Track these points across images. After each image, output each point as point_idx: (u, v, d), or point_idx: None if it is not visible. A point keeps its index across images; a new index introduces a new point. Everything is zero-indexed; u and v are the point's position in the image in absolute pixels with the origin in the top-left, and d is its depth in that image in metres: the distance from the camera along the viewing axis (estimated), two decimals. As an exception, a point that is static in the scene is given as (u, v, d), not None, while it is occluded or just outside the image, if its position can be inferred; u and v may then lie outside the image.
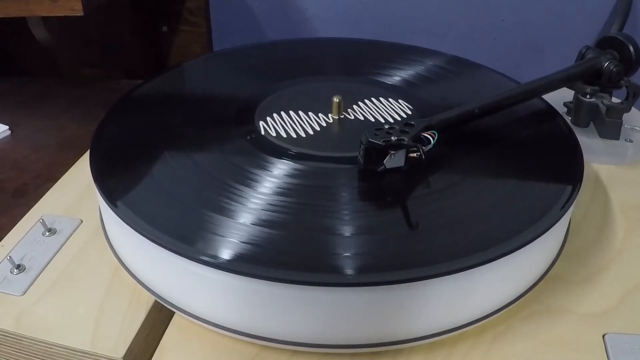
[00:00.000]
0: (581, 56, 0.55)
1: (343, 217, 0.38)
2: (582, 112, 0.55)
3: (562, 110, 0.54)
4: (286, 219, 0.37)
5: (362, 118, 0.48)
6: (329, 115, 0.48)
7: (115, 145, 0.46)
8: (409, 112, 0.49)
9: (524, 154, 0.45)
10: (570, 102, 0.56)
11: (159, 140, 0.46)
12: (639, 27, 0.74)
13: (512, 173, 0.43)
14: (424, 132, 0.42)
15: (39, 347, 0.37)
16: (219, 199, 0.39)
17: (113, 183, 0.41)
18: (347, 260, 0.34)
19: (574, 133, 0.48)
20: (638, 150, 0.53)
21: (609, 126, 0.53)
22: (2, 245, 0.43)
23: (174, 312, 0.38)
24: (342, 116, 0.48)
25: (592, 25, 0.76)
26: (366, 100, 0.51)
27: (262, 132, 0.46)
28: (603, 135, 0.53)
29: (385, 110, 0.49)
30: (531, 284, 0.39)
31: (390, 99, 0.51)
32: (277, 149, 0.44)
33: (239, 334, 0.36)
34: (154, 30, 0.81)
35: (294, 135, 0.45)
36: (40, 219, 0.45)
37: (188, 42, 0.81)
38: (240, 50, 0.63)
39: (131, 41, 0.80)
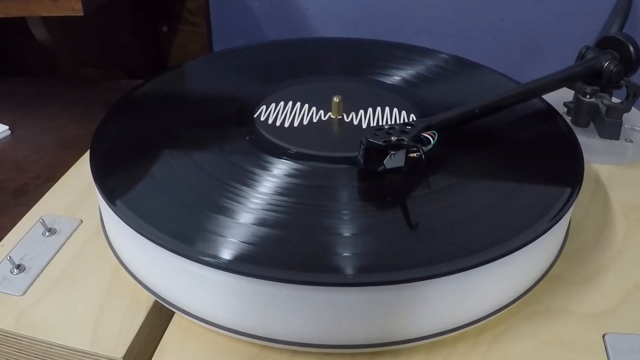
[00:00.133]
0: (581, 56, 0.55)
1: (343, 217, 0.38)
2: (582, 112, 0.55)
3: (562, 110, 0.54)
4: (286, 219, 0.37)
5: (362, 118, 0.48)
6: (329, 115, 0.48)
7: (115, 145, 0.46)
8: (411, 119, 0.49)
9: (524, 154, 0.45)
10: (570, 102, 0.56)
11: (159, 140, 0.46)
12: (639, 27, 0.74)
13: (512, 173, 0.43)
14: (424, 132, 0.42)
15: (39, 347, 0.37)
16: (219, 199, 0.39)
17: (113, 183, 0.41)
18: (347, 260, 0.34)
19: (574, 133, 0.48)
20: (638, 150, 0.53)
21: (609, 126, 0.53)
22: (2, 245, 0.43)
23: (174, 312, 0.38)
24: (342, 116, 0.48)
25: (592, 25, 0.76)
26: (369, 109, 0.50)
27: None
28: (603, 135, 0.53)
29: (385, 113, 0.49)
30: (531, 284, 0.39)
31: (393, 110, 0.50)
32: (277, 148, 0.44)
33: (239, 334, 0.36)
34: (154, 30, 0.81)
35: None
36: (40, 219, 0.45)
37: (188, 42, 0.81)
38: (240, 50, 0.63)
39: (131, 41, 0.80)
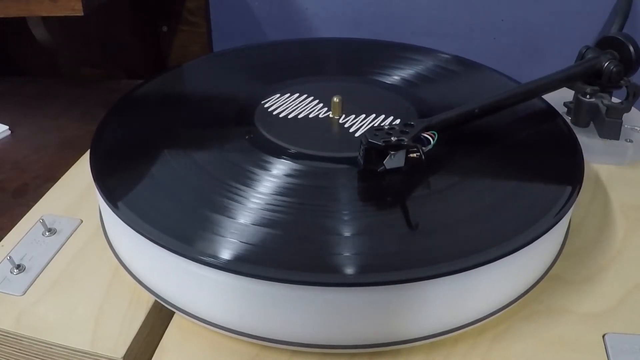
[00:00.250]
0: (581, 56, 0.55)
1: (343, 218, 0.38)
2: (582, 112, 0.55)
3: (562, 110, 0.54)
4: (286, 219, 0.37)
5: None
6: (329, 115, 0.48)
7: (115, 145, 0.46)
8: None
9: (524, 154, 0.45)
10: (570, 102, 0.56)
11: (159, 140, 0.46)
12: (639, 27, 0.74)
13: (512, 173, 0.43)
14: (423, 133, 0.42)
15: (39, 347, 0.37)
16: (219, 199, 0.39)
17: (113, 183, 0.41)
18: (347, 261, 0.34)
19: (574, 133, 0.48)
20: (638, 150, 0.53)
21: (609, 126, 0.53)
22: (2, 245, 0.43)
23: (174, 312, 0.38)
24: (342, 116, 0.48)
25: (592, 25, 0.76)
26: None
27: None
28: (603, 135, 0.53)
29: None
30: (531, 284, 0.39)
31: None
32: (277, 148, 0.44)
33: (239, 334, 0.36)
34: (154, 30, 0.81)
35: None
36: (40, 219, 0.45)
37: (188, 42, 0.81)
38: (240, 50, 0.63)
39: (131, 41, 0.80)
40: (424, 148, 0.40)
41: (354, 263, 0.34)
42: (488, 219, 0.38)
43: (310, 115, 0.48)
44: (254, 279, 0.33)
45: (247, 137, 0.46)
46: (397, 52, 0.60)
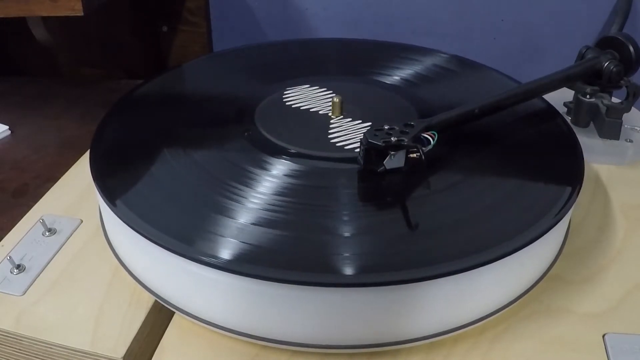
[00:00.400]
0: (581, 56, 0.55)
1: (343, 218, 0.38)
2: (582, 112, 0.55)
3: (562, 110, 0.54)
4: (286, 219, 0.37)
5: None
6: (329, 115, 0.48)
7: (115, 145, 0.46)
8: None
9: (524, 154, 0.45)
10: (570, 102, 0.56)
11: (159, 140, 0.46)
12: (639, 27, 0.74)
13: (512, 173, 0.43)
14: (423, 133, 0.42)
15: (39, 347, 0.37)
16: (219, 199, 0.39)
17: (113, 183, 0.41)
18: (347, 261, 0.34)
19: (574, 133, 0.48)
20: (638, 150, 0.53)
21: (609, 126, 0.53)
22: (2, 245, 0.43)
23: (174, 312, 0.38)
24: (342, 116, 0.48)
25: (592, 25, 0.76)
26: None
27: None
28: (603, 135, 0.53)
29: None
30: (531, 284, 0.39)
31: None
32: (277, 148, 0.44)
33: (239, 334, 0.36)
34: (154, 30, 0.81)
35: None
36: (40, 219, 0.45)
37: (188, 42, 0.81)
38: (240, 50, 0.63)
39: (131, 41, 0.80)
40: (424, 148, 0.40)
41: (353, 263, 0.34)
42: (488, 219, 0.38)
43: (310, 116, 0.48)
44: (254, 279, 0.33)
45: (245, 133, 0.46)
46: (397, 52, 0.60)
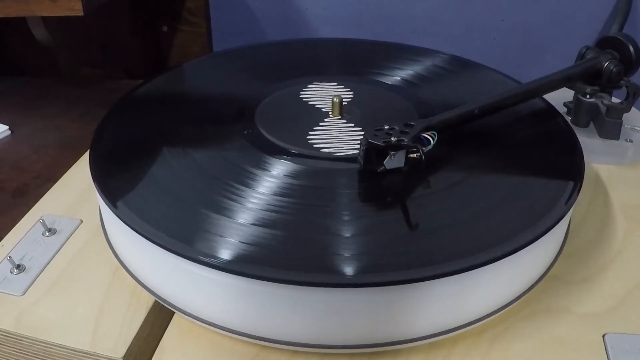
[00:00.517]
0: (581, 56, 0.55)
1: (343, 218, 0.38)
2: (582, 112, 0.55)
3: (562, 110, 0.54)
4: (286, 220, 0.37)
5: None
6: (329, 115, 0.48)
7: (115, 145, 0.46)
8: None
9: (524, 154, 0.45)
10: (570, 102, 0.56)
11: (159, 140, 0.46)
12: (639, 27, 0.74)
13: (512, 173, 0.43)
14: (423, 133, 0.42)
15: (39, 347, 0.37)
16: (219, 199, 0.39)
17: (113, 183, 0.41)
18: (347, 261, 0.34)
19: (574, 133, 0.48)
20: (638, 150, 0.53)
21: (609, 126, 0.53)
22: (2, 245, 0.43)
23: (174, 312, 0.38)
24: (342, 116, 0.48)
25: (592, 25, 0.76)
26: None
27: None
28: (603, 135, 0.53)
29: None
30: (531, 284, 0.39)
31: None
32: (277, 149, 0.44)
33: (239, 334, 0.36)
34: (154, 30, 0.81)
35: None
36: (40, 219, 0.45)
37: (188, 42, 0.81)
38: (240, 50, 0.63)
39: (131, 41, 0.80)
40: (424, 148, 0.40)
41: (353, 263, 0.34)
42: (488, 219, 0.38)
43: (310, 116, 0.48)
44: (253, 279, 0.33)
45: (245, 132, 0.46)
46: (397, 52, 0.60)
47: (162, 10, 0.80)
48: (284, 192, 0.39)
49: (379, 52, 0.61)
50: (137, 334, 0.37)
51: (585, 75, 0.53)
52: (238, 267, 0.34)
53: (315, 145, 0.44)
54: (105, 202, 0.39)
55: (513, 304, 0.38)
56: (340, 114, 0.48)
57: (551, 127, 0.49)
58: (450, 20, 0.79)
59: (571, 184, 0.41)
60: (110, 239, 0.43)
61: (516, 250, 0.35)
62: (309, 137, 0.45)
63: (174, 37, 0.81)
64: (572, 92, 0.55)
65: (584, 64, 0.53)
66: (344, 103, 0.49)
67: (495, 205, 0.39)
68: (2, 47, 0.79)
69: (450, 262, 0.34)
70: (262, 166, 0.42)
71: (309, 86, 0.53)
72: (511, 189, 0.41)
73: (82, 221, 0.46)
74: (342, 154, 0.43)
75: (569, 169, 0.43)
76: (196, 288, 0.36)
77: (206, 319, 0.36)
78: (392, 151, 0.40)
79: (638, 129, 0.55)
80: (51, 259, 0.42)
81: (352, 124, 0.47)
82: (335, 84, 0.53)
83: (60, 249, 0.43)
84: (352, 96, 0.51)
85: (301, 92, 0.52)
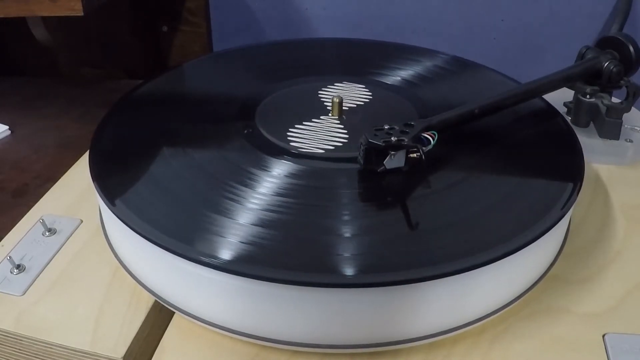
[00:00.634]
0: (581, 56, 0.55)
1: (343, 218, 0.38)
2: (582, 112, 0.55)
3: (562, 110, 0.54)
4: (286, 220, 0.37)
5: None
6: (329, 115, 0.48)
7: (115, 145, 0.46)
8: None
9: (524, 154, 0.45)
10: (570, 102, 0.56)
11: (159, 140, 0.46)
12: (639, 27, 0.74)
13: (512, 173, 0.43)
14: (424, 133, 0.42)
15: (39, 347, 0.37)
16: (219, 199, 0.39)
17: (112, 183, 0.41)
18: (347, 261, 0.34)
19: (574, 133, 0.48)
20: (638, 150, 0.53)
21: (609, 126, 0.53)
22: (2, 245, 0.43)
23: (174, 312, 0.38)
24: (342, 116, 0.48)
25: (592, 25, 0.76)
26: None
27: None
28: (603, 135, 0.53)
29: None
30: (531, 284, 0.39)
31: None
32: (277, 149, 0.44)
33: (239, 334, 0.36)
34: (154, 30, 0.81)
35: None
36: (40, 219, 0.45)
37: (188, 42, 0.81)
38: (240, 50, 0.63)
39: (131, 41, 0.80)
40: (424, 148, 0.40)
41: (353, 263, 0.34)
42: (488, 219, 0.38)
43: (310, 117, 0.48)
44: (253, 279, 0.33)
45: (245, 131, 0.46)
46: (397, 52, 0.60)
47: (162, 10, 0.80)
48: (283, 192, 0.39)
49: (379, 52, 0.61)
50: (137, 334, 0.37)
51: (585, 75, 0.53)
52: (238, 267, 0.34)
53: (291, 143, 0.44)
54: (105, 202, 0.39)
55: (513, 304, 0.38)
56: (340, 114, 0.48)
57: (551, 127, 0.49)
58: (450, 20, 0.79)
59: (571, 184, 0.41)
60: (110, 239, 0.43)
61: (516, 250, 0.35)
62: (289, 133, 0.46)
63: (174, 37, 0.81)
64: (572, 92, 0.55)
65: (584, 64, 0.53)
66: (354, 105, 0.49)
67: (495, 205, 0.39)
68: (2, 47, 0.79)
69: (450, 262, 0.34)
70: (262, 166, 0.42)
71: (330, 85, 0.53)
72: (511, 189, 0.41)
73: (82, 221, 0.46)
74: (313, 151, 0.43)
75: (569, 169, 0.43)
76: (196, 288, 0.36)
77: (206, 319, 0.36)
78: (392, 151, 0.40)
79: (638, 129, 0.55)
80: (51, 259, 0.42)
81: (342, 125, 0.47)
82: (364, 86, 0.53)
83: (60, 249, 0.43)
84: (369, 98, 0.51)
85: (320, 91, 0.52)
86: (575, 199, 0.40)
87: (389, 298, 0.34)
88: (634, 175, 0.51)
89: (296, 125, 0.47)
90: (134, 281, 0.40)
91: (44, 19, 0.66)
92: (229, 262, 0.34)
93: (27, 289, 0.40)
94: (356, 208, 0.39)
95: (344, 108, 0.49)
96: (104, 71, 0.79)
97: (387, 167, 0.40)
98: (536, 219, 0.37)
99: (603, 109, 0.53)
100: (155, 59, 0.83)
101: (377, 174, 0.40)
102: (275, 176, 0.41)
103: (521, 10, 0.77)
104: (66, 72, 0.80)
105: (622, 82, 0.52)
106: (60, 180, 0.51)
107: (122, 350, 0.35)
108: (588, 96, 0.54)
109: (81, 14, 0.50)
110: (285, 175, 0.41)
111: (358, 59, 0.60)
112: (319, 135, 0.45)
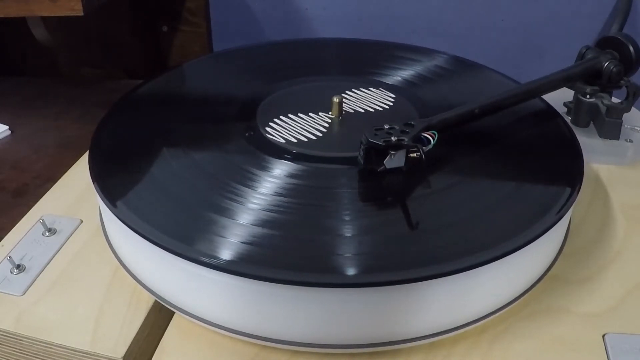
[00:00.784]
0: (581, 56, 0.55)
1: (343, 218, 0.38)
2: (582, 112, 0.55)
3: (562, 110, 0.54)
4: (286, 220, 0.37)
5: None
6: (329, 115, 0.48)
7: (115, 145, 0.46)
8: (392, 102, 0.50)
9: (524, 154, 0.45)
10: (570, 102, 0.56)
11: (159, 140, 0.46)
12: (639, 27, 0.74)
13: (512, 173, 0.43)
14: (424, 132, 0.42)
15: (39, 347, 0.37)
16: (219, 199, 0.39)
17: (112, 183, 0.41)
18: (347, 261, 0.34)
19: (574, 133, 0.48)
20: (638, 150, 0.53)
21: (609, 126, 0.53)
22: (2, 245, 0.43)
23: (174, 312, 0.38)
24: (342, 116, 0.48)
25: (592, 25, 0.76)
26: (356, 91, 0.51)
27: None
28: (603, 135, 0.53)
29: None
30: (531, 284, 0.39)
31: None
32: (277, 149, 0.44)
33: (239, 334, 0.36)
34: (154, 30, 0.81)
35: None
36: (40, 219, 0.45)
37: (188, 42, 0.81)
38: (240, 50, 0.63)
39: (131, 41, 0.80)
40: (424, 148, 0.40)
41: (354, 263, 0.34)
42: (488, 219, 0.38)
43: (310, 116, 0.48)
44: (253, 280, 0.33)
45: (247, 134, 0.46)
46: (397, 52, 0.60)
47: (162, 10, 0.80)
48: (284, 192, 0.39)
49: (379, 52, 0.61)
50: (137, 334, 0.37)
51: (585, 75, 0.53)
52: (238, 267, 0.34)
53: (267, 135, 0.45)
54: (105, 202, 0.39)
55: (513, 304, 0.38)
56: (339, 114, 0.48)
57: (551, 128, 0.49)
58: (450, 20, 0.79)
59: (571, 184, 0.41)
60: (110, 239, 0.43)
61: (516, 250, 0.35)
62: (269, 125, 0.46)
63: (174, 37, 0.81)
64: (572, 92, 0.55)
65: (584, 64, 0.53)
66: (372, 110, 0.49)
67: (495, 205, 0.39)
68: (2, 47, 0.79)
69: (450, 262, 0.34)
70: (262, 166, 0.42)
71: (354, 90, 0.52)
72: (511, 188, 0.41)
73: (82, 221, 0.46)
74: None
75: (569, 168, 0.43)
76: (196, 288, 0.36)
77: (206, 319, 0.36)
78: (392, 151, 0.40)
79: (638, 129, 0.55)
80: (51, 259, 0.42)
81: (329, 122, 0.47)
82: (389, 91, 0.53)
83: (60, 249, 0.43)
84: (391, 103, 0.51)
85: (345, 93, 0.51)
86: (575, 199, 0.40)
87: (389, 298, 0.34)
88: (634, 175, 0.51)
89: (281, 117, 0.47)
90: (134, 281, 0.40)
91: (44, 19, 0.66)
92: (229, 262, 0.34)
93: (27, 289, 0.40)
94: (356, 208, 0.39)
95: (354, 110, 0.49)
96: (104, 71, 0.79)
97: (387, 166, 0.40)
98: (536, 219, 0.37)
99: (603, 109, 0.53)
100: (155, 59, 0.83)
101: (377, 173, 0.40)
102: (275, 176, 0.41)
103: (521, 10, 0.77)
104: (66, 72, 0.80)
105: (622, 82, 0.52)
106: (60, 180, 0.51)
107: (122, 350, 0.35)
108: (588, 96, 0.54)
109: (81, 14, 0.50)
110: (286, 175, 0.41)
111: (358, 58, 0.60)
112: (298, 128, 0.46)
